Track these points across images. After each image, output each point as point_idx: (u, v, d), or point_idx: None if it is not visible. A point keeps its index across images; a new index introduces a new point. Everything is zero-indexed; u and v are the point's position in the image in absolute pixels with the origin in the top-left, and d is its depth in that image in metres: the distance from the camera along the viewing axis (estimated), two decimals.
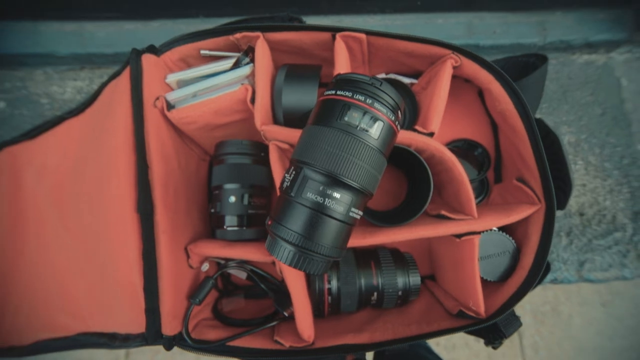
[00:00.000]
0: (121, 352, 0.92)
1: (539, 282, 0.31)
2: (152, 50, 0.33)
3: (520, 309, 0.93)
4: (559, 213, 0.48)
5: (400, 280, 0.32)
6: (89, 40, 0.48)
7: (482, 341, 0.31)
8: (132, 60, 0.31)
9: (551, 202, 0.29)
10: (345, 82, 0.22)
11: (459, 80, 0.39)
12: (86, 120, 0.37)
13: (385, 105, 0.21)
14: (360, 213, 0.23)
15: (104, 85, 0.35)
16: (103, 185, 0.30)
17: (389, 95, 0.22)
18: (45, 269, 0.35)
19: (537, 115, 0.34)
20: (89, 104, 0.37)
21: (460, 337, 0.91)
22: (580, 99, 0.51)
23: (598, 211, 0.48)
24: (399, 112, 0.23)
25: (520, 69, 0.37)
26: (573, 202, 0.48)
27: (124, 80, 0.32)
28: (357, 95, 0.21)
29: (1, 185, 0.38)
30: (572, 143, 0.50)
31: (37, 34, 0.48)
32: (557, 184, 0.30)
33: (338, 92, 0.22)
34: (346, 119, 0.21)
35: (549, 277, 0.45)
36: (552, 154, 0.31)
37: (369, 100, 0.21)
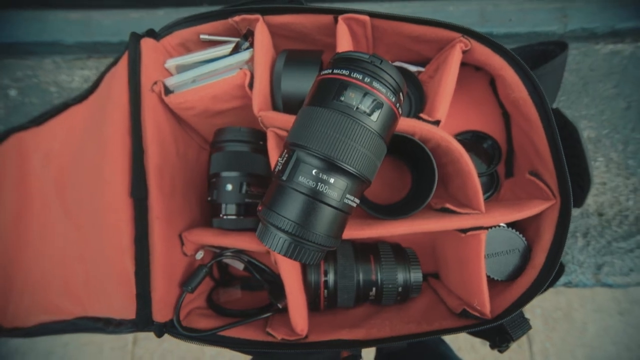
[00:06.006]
0: (129, 338, 0.93)
1: (552, 284, 0.29)
2: (152, 34, 0.32)
3: (530, 313, 0.89)
4: (574, 212, 0.46)
5: (401, 276, 0.31)
6: (95, 29, 0.49)
7: (488, 344, 0.29)
8: (130, 44, 0.31)
9: (567, 197, 0.27)
10: (343, 60, 0.21)
11: (470, 69, 0.37)
12: (89, 106, 0.37)
13: (385, 85, 0.20)
14: (357, 201, 0.22)
15: (106, 71, 0.35)
16: (99, 170, 0.30)
17: (389, 75, 0.20)
18: (47, 253, 0.35)
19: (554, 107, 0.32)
20: (92, 90, 0.37)
21: (466, 340, 0.88)
22: (603, 92, 0.47)
23: (619, 211, 0.45)
24: (401, 94, 0.22)
25: (537, 58, 0.35)
26: (591, 202, 0.45)
27: (123, 64, 0.31)
28: (355, 74, 0.20)
29: (9, 171, 0.38)
30: (592, 139, 0.47)
31: (42, 22, 0.48)
32: (574, 179, 0.28)
33: (334, 71, 0.20)
34: (342, 99, 0.19)
35: (563, 279, 0.43)
36: (569, 146, 0.28)
37: (367, 79, 0.20)
